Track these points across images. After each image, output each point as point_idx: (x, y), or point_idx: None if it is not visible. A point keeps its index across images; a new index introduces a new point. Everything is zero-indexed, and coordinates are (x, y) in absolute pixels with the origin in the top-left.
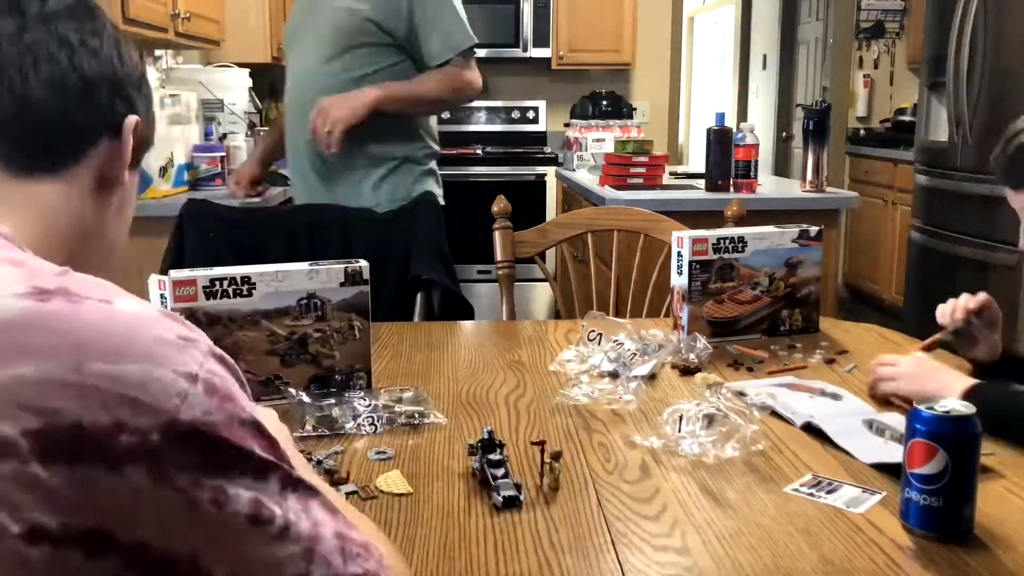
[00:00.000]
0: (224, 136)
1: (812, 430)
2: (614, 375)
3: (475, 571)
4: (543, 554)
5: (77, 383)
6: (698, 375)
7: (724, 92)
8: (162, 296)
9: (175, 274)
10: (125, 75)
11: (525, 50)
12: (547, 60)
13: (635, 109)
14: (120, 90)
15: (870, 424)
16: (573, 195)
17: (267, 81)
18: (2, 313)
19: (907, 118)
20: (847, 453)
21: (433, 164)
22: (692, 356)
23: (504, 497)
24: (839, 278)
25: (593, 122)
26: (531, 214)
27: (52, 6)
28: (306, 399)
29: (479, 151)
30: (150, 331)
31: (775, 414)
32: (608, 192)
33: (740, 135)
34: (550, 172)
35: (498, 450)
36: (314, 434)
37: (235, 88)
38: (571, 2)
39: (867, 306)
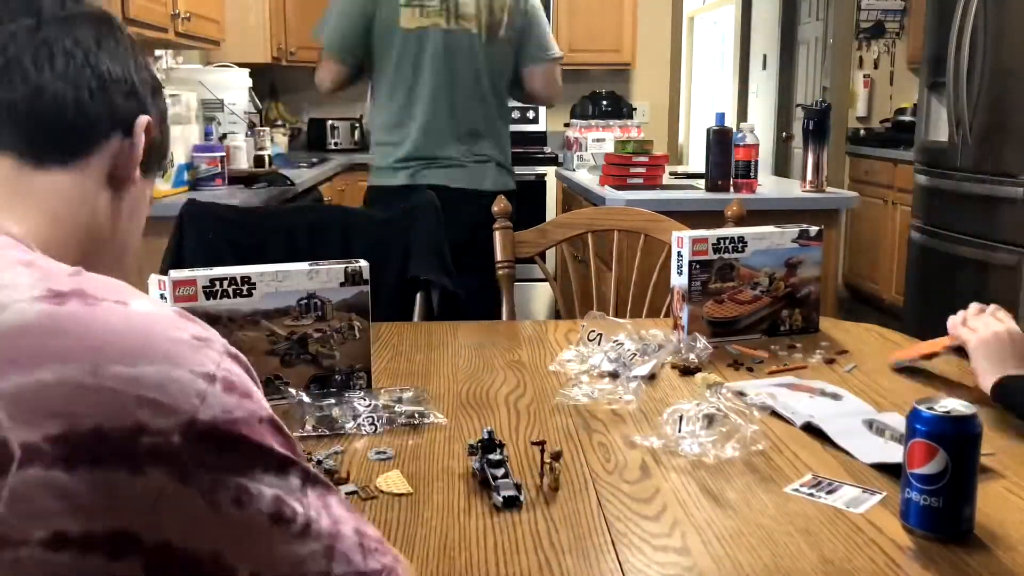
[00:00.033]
0: (224, 136)
1: (812, 430)
2: (614, 375)
3: (475, 571)
4: (543, 554)
5: (96, 387)
6: (698, 375)
7: (724, 92)
8: (162, 296)
9: (175, 274)
10: (140, 80)
11: None
12: None
13: (635, 109)
14: (134, 93)
15: (870, 424)
16: (573, 195)
17: (267, 81)
18: (18, 318)
19: (907, 118)
20: (847, 453)
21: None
22: (692, 356)
23: (504, 497)
24: (839, 278)
25: (593, 122)
26: (531, 214)
27: (70, 10)
28: (306, 399)
29: None
30: (166, 332)
31: (775, 414)
32: (608, 192)
33: (740, 135)
34: (550, 172)
35: (498, 450)
36: (314, 434)
37: (235, 88)
38: (571, 2)
39: (867, 306)
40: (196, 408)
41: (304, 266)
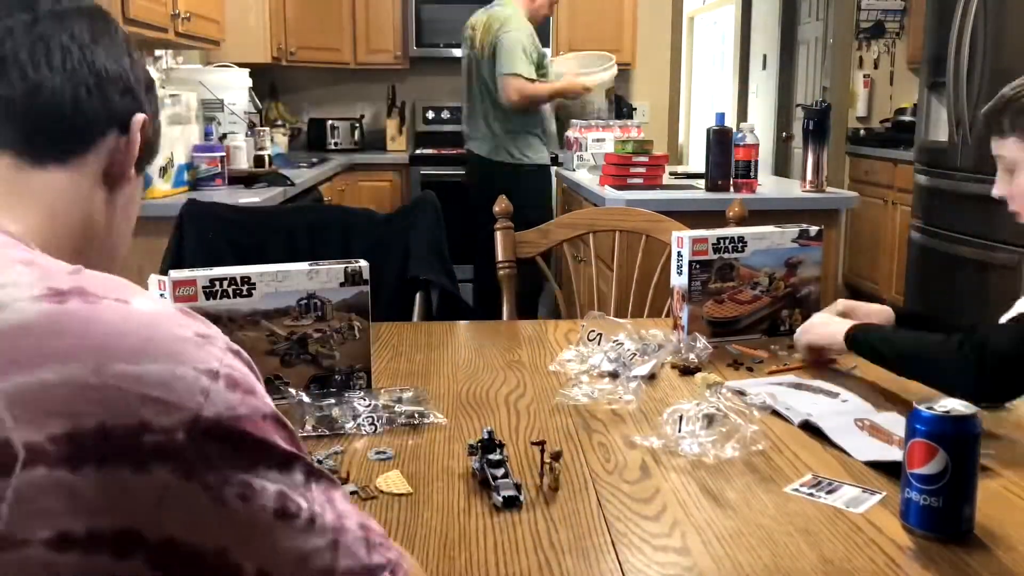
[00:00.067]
0: (224, 136)
1: (811, 429)
2: (614, 375)
3: (475, 571)
4: (543, 554)
5: (100, 385)
6: (698, 375)
7: (724, 92)
8: (162, 296)
9: (175, 274)
10: (136, 76)
11: None
12: None
13: (635, 109)
14: (130, 89)
15: (861, 424)
16: (573, 195)
17: (267, 81)
18: (19, 317)
19: (907, 118)
20: (844, 451)
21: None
22: (692, 356)
23: (504, 497)
24: (839, 278)
25: (593, 122)
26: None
27: (65, 6)
28: (306, 399)
29: None
30: (169, 330)
31: (775, 414)
32: (608, 192)
33: (740, 135)
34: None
35: (498, 450)
36: (314, 434)
37: (235, 88)
38: (571, 2)
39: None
40: (200, 405)
41: (304, 266)
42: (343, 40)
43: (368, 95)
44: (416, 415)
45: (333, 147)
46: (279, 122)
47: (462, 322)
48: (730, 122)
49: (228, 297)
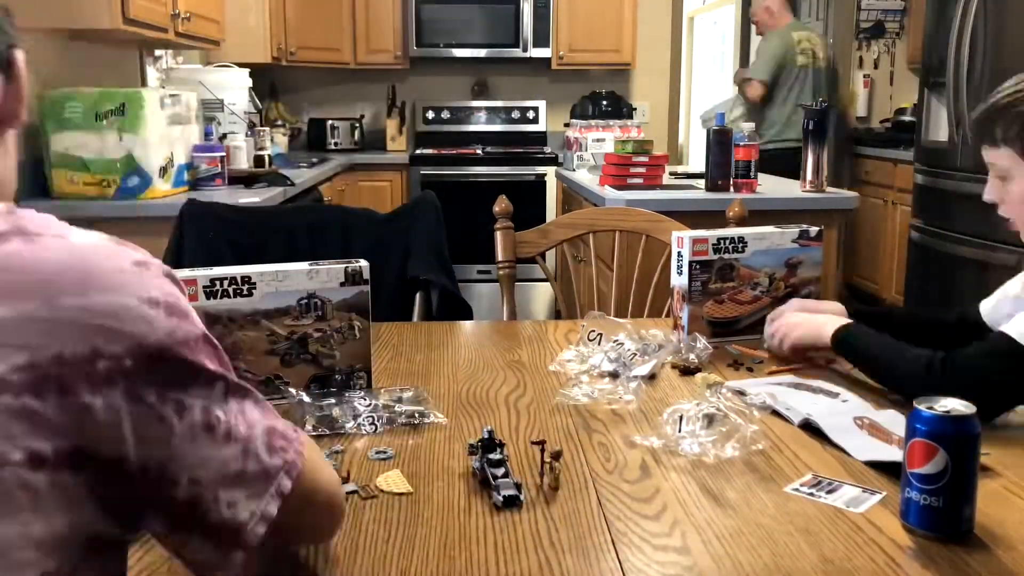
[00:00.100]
0: (224, 136)
1: (811, 429)
2: (614, 375)
3: (475, 571)
4: (543, 554)
5: (52, 318)
6: (698, 375)
7: (724, 92)
8: None
9: (175, 274)
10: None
11: (525, 50)
12: (547, 60)
13: (635, 109)
14: (4, 30)
15: (861, 422)
16: (573, 195)
17: (267, 81)
18: None
19: (907, 118)
20: (844, 451)
21: None
22: (692, 356)
23: (504, 497)
24: (839, 278)
25: (593, 122)
26: (531, 214)
27: None
28: (306, 399)
29: (479, 151)
30: (109, 261)
31: (775, 414)
32: (608, 192)
33: (740, 135)
34: (550, 172)
35: (498, 450)
36: (314, 434)
37: (235, 88)
38: (571, 2)
39: (867, 306)
40: (144, 333)
41: (304, 266)
42: (343, 40)
43: (368, 95)
44: (416, 415)
45: (333, 147)
46: (279, 122)
47: (462, 322)
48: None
49: (228, 297)
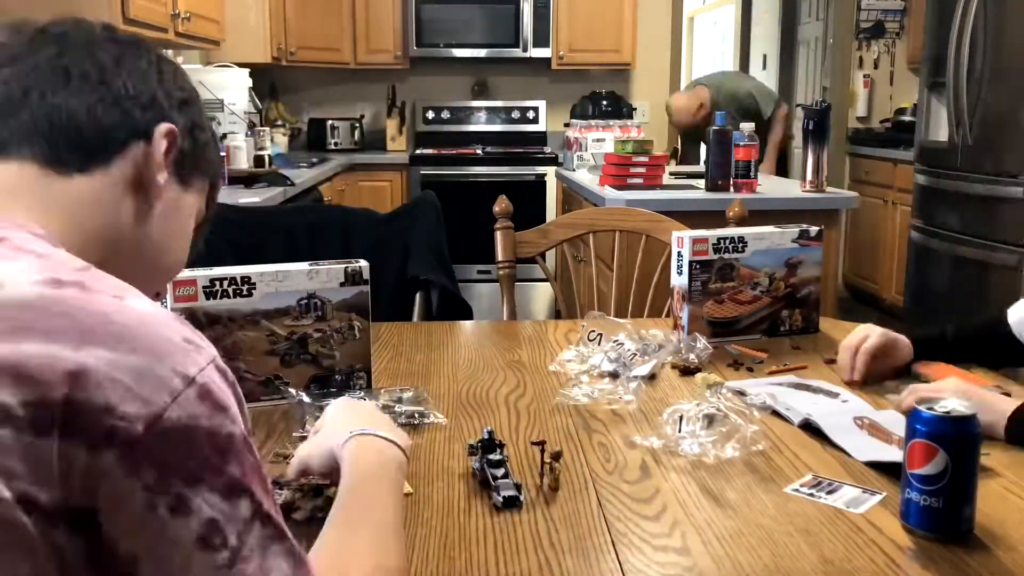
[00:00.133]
0: (224, 136)
1: (811, 429)
2: (614, 375)
3: (475, 571)
4: (543, 554)
5: (75, 361)
6: (698, 375)
7: None
8: (163, 298)
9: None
10: (164, 93)
11: (525, 50)
12: (547, 60)
13: (635, 109)
14: (154, 104)
15: (861, 422)
16: (573, 195)
17: (267, 81)
18: (17, 295)
19: (907, 118)
20: (844, 451)
21: None
22: (692, 356)
23: (504, 497)
24: (839, 278)
25: (593, 122)
26: (531, 214)
27: (95, 37)
28: (306, 399)
29: (479, 151)
30: (156, 328)
31: (775, 414)
32: (608, 192)
33: (740, 135)
34: (550, 172)
35: (498, 450)
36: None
37: (235, 88)
38: (571, 2)
39: (867, 306)
40: (166, 405)
41: (304, 266)
42: (343, 40)
43: (368, 95)
44: (416, 415)
45: (333, 147)
46: (279, 122)
47: (462, 322)
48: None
49: (228, 297)
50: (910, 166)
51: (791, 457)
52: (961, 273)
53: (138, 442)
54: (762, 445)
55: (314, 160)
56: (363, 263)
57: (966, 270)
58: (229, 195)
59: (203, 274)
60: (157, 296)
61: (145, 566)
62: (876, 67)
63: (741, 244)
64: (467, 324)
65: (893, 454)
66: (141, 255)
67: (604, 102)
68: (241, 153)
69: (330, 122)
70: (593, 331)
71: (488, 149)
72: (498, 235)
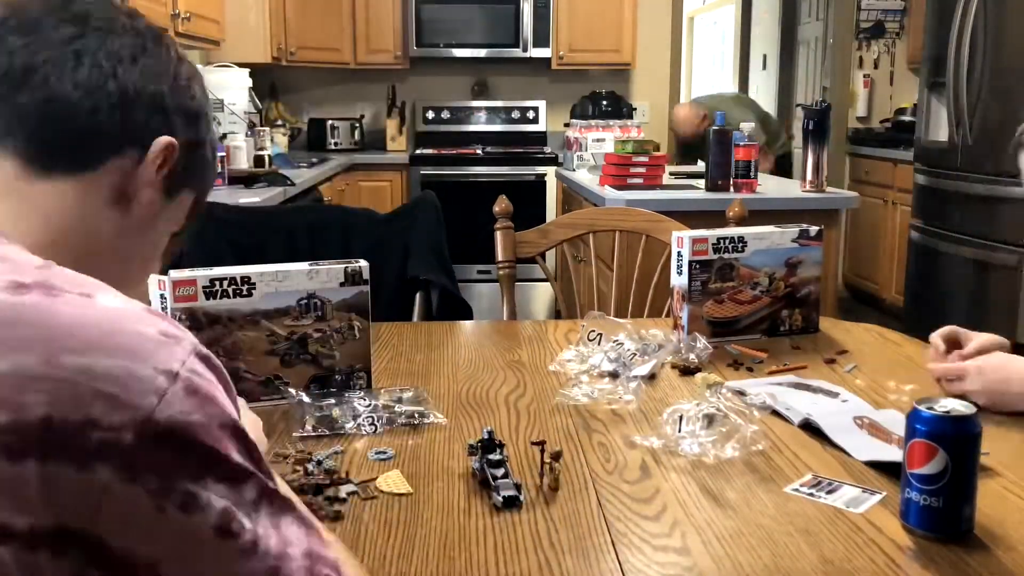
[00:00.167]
0: (224, 136)
1: (811, 429)
2: (614, 375)
3: (475, 571)
4: (543, 554)
5: (48, 376)
6: (698, 375)
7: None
8: (162, 296)
9: (175, 274)
10: (175, 101)
11: (525, 50)
12: (547, 60)
13: (635, 109)
14: (162, 111)
15: (861, 422)
16: (573, 195)
17: (267, 81)
18: None
19: (907, 118)
20: (844, 451)
21: None
22: (692, 356)
23: (504, 497)
24: (839, 278)
25: (593, 122)
26: (531, 214)
27: (119, 23)
28: (306, 399)
29: (479, 151)
30: (130, 325)
31: (775, 414)
32: (608, 192)
33: (740, 135)
34: (550, 172)
35: (498, 450)
36: (314, 434)
37: (235, 88)
38: (571, 2)
39: (867, 306)
40: (153, 406)
41: (304, 266)
42: (343, 40)
43: (368, 95)
44: (416, 415)
45: (333, 147)
46: (279, 122)
47: (462, 322)
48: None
49: (228, 297)
50: (910, 166)
51: (791, 457)
52: (961, 273)
53: (132, 451)
54: (762, 445)
55: (314, 160)
56: (363, 263)
57: (966, 270)
58: (229, 195)
59: (203, 274)
60: None
61: (168, 567)
62: (876, 67)
63: (741, 244)
64: (467, 324)
65: (893, 454)
66: (112, 264)
67: (604, 102)
68: (241, 153)
69: (330, 122)
70: (593, 331)
71: (488, 149)
72: (498, 235)
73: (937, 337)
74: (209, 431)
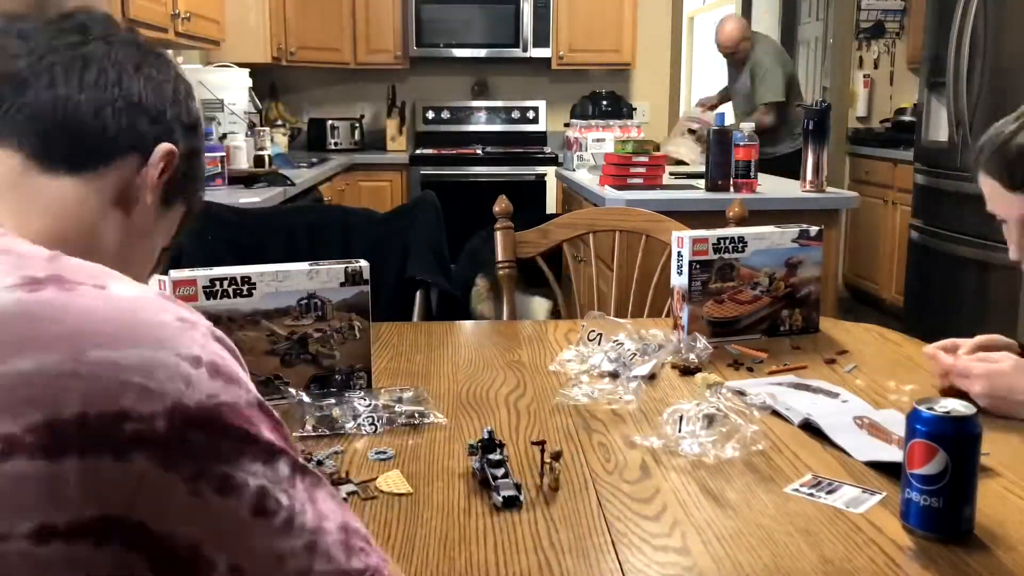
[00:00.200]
0: (224, 136)
1: (811, 429)
2: (614, 375)
3: (475, 571)
4: (543, 554)
5: (78, 373)
6: (698, 375)
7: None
8: None
9: (175, 274)
10: (176, 111)
11: (525, 50)
12: (547, 60)
13: (635, 109)
14: (162, 121)
15: (861, 422)
16: (573, 195)
17: (267, 81)
18: None
19: (907, 118)
20: (844, 451)
21: None
22: (692, 356)
23: (504, 497)
24: (839, 278)
25: (593, 122)
26: (531, 214)
27: (120, 36)
28: (306, 399)
29: (479, 151)
30: (149, 314)
31: (775, 414)
32: (608, 192)
33: (740, 135)
34: (550, 172)
35: (498, 450)
36: (314, 434)
37: (235, 88)
38: (571, 2)
39: (867, 306)
40: (181, 392)
41: (304, 266)
42: (343, 40)
43: (368, 95)
44: (416, 415)
45: (333, 147)
46: (279, 122)
47: (462, 322)
48: (730, 122)
49: (228, 297)
50: (910, 166)
51: (791, 457)
52: (961, 273)
53: (165, 438)
54: (762, 445)
55: (314, 160)
56: (363, 263)
57: (966, 270)
58: (229, 195)
59: (203, 274)
60: None
61: (208, 547)
62: (876, 67)
63: (741, 244)
64: (467, 324)
65: (893, 454)
66: (112, 267)
67: (604, 102)
68: (241, 153)
69: (330, 122)
70: (593, 331)
71: (488, 149)
72: (498, 235)
73: (933, 348)
74: (238, 411)
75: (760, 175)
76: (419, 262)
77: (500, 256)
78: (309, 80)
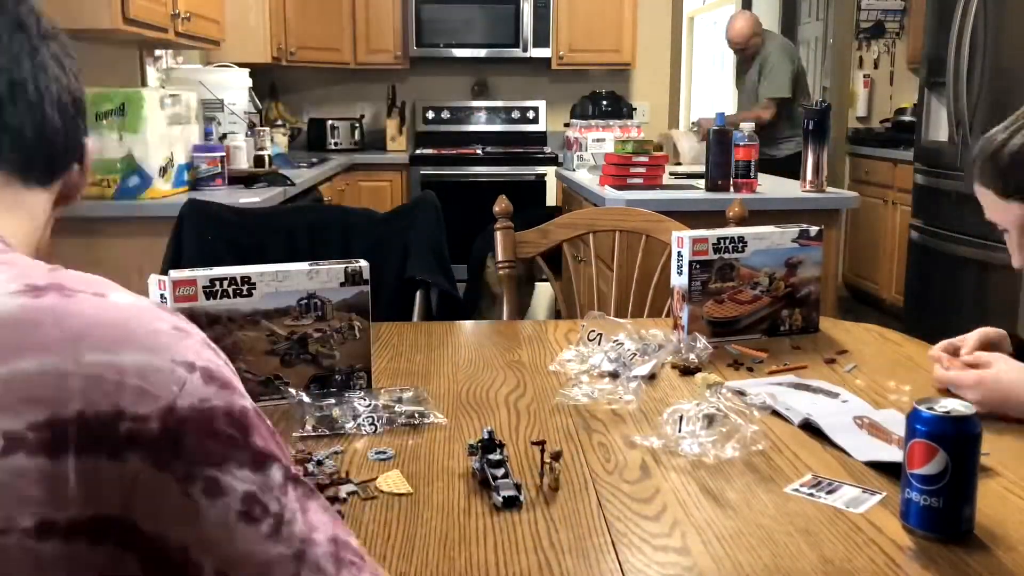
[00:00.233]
0: (224, 136)
1: (811, 429)
2: (614, 375)
3: (475, 571)
4: (543, 554)
5: (77, 373)
6: (698, 375)
7: (724, 92)
8: (162, 296)
9: (175, 274)
10: (84, 96)
11: (525, 50)
12: (547, 60)
13: (635, 109)
14: (84, 112)
15: (860, 422)
16: (573, 195)
17: (267, 81)
18: None
19: (907, 118)
20: (844, 451)
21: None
22: (692, 356)
23: (504, 497)
24: (839, 278)
25: (593, 122)
26: (531, 214)
27: (45, 27)
28: (306, 399)
29: (479, 151)
30: (145, 322)
31: (775, 414)
32: (608, 192)
33: (740, 135)
34: (550, 172)
35: (498, 450)
36: (314, 434)
37: (235, 88)
38: (571, 2)
39: (867, 306)
40: (175, 395)
41: (304, 266)
42: (343, 40)
43: (368, 95)
44: (416, 415)
45: (333, 147)
46: (279, 122)
47: (462, 322)
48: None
49: (228, 297)
50: (910, 166)
51: (791, 457)
52: (961, 273)
53: (158, 440)
54: (762, 445)
55: (314, 160)
56: (363, 263)
57: (966, 270)
58: (229, 195)
59: (203, 274)
60: None
61: (196, 551)
62: (876, 67)
63: (741, 244)
64: (467, 324)
65: (893, 454)
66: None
67: (604, 102)
68: (241, 153)
69: (330, 122)
70: (593, 331)
71: (488, 149)
72: (498, 235)
73: (937, 350)
74: (230, 416)
75: (760, 175)
76: (419, 262)
77: (500, 256)
78: (309, 80)
